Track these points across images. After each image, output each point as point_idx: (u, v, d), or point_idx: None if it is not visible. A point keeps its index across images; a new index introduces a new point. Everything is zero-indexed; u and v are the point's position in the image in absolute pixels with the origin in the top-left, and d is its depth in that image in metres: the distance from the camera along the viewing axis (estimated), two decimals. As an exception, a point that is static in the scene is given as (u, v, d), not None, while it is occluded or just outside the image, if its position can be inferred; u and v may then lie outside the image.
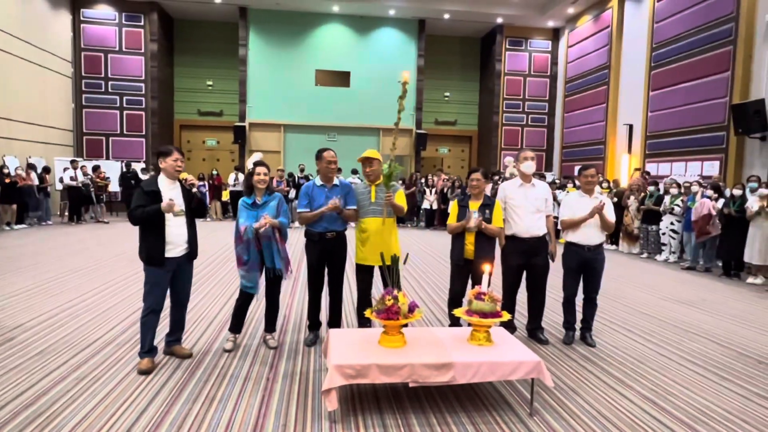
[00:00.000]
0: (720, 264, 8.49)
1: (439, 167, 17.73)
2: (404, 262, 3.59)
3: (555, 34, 18.42)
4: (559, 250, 4.70)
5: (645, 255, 10.02)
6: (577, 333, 4.64)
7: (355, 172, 14.00)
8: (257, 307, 4.39)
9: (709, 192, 8.62)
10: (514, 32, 18.22)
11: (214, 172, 15.62)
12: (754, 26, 10.06)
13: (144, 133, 16.77)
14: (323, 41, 17.63)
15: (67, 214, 13.73)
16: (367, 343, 3.35)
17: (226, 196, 14.92)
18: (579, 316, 4.64)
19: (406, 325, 3.43)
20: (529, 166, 4.59)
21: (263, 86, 17.23)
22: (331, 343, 3.37)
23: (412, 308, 3.35)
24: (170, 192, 3.73)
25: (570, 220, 4.52)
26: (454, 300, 4.56)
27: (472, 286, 4.42)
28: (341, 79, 17.77)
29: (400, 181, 14.22)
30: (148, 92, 16.59)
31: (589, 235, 4.49)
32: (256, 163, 4.15)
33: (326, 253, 4.28)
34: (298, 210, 4.28)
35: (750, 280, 7.72)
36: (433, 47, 18.41)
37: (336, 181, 4.35)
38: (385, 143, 17.47)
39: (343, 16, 17.46)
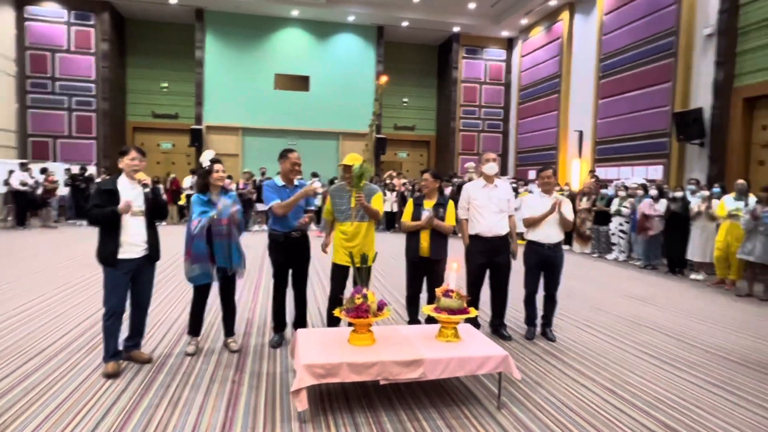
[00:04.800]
0: (665, 262, 8.94)
1: (398, 171, 17.87)
2: (372, 261, 3.60)
3: (509, 44, 18.98)
4: (521, 250, 4.83)
5: (596, 255, 10.44)
6: (538, 329, 4.78)
7: (315, 175, 13.92)
8: (218, 310, 4.29)
9: (653, 192, 9.08)
10: (470, 41, 18.65)
11: (171, 176, 15.17)
12: (692, 40, 10.70)
13: (94, 135, 16.09)
14: (282, 45, 17.50)
15: (10, 218, 12.98)
16: (336, 342, 3.34)
17: (183, 199, 14.51)
18: (540, 312, 4.79)
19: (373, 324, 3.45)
20: (491, 168, 4.72)
21: (221, 89, 16.91)
22: (299, 343, 3.33)
23: (380, 306, 3.36)
24: (130, 192, 3.61)
25: (532, 218, 4.66)
26: (412, 298, 4.65)
27: (428, 284, 4.52)
28: (300, 83, 17.67)
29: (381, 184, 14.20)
30: (99, 93, 15.95)
31: (549, 233, 4.65)
32: (214, 161, 4.06)
33: (291, 254, 4.25)
34: (271, 204, 4.19)
35: (693, 276, 8.17)
36: (392, 54, 18.60)
37: (296, 182, 4.35)
38: (344, 148, 17.47)
39: (302, 20, 17.39)
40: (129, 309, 3.78)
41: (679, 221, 8.38)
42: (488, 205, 4.63)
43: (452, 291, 3.46)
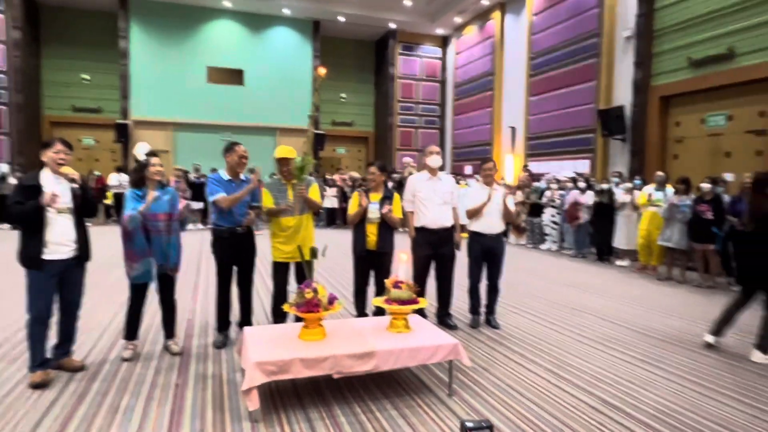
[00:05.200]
0: (594, 250, 9.48)
1: (337, 166, 17.78)
2: (323, 254, 3.55)
3: (444, 42, 19.35)
4: (464, 241, 4.94)
5: (531, 245, 10.90)
6: (483, 317, 4.92)
7: (252, 171, 13.53)
8: (155, 313, 4.07)
9: (581, 185, 9.59)
10: (407, 38, 18.83)
11: (96, 173, 14.23)
12: (614, 42, 11.37)
13: (7, 130, 14.77)
14: (214, 37, 16.85)
15: None
16: (286, 338, 3.27)
17: (110, 198, 13.66)
18: (484, 301, 4.93)
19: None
20: (435, 160, 4.79)
21: (149, 82, 16.03)
22: (247, 341, 3.23)
23: (331, 300, 3.33)
24: (55, 188, 3.34)
25: (474, 209, 4.78)
26: (359, 292, 4.67)
27: (376, 277, 4.55)
28: (234, 77, 17.12)
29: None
30: (11, 85, 14.63)
31: (491, 224, 4.79)
32: (150, 154, 3.86)
33: (236, 250, 4.12)
34: (216, 197, 4.03)
35: (618, 262, 8.72)
36: (329, 49, 18.42)
37: (242, 177, 4.24)
38: (282, 143, 17.02)
39: (235, 12, 16.83)
40: (57, 314, 3.51)
41: (605, 212, 8.91)
42: (433, 197, 4.70)
43: (402, 282, 3.49)
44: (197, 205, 12.54)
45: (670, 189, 7.74)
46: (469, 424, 1.46)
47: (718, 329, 4.33)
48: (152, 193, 3.70)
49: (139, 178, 3.79)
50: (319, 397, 3.21)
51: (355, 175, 14.78)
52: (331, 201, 14.05)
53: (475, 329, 4.75)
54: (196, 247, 9.05)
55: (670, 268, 7.52)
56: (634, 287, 6.94)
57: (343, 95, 19.39)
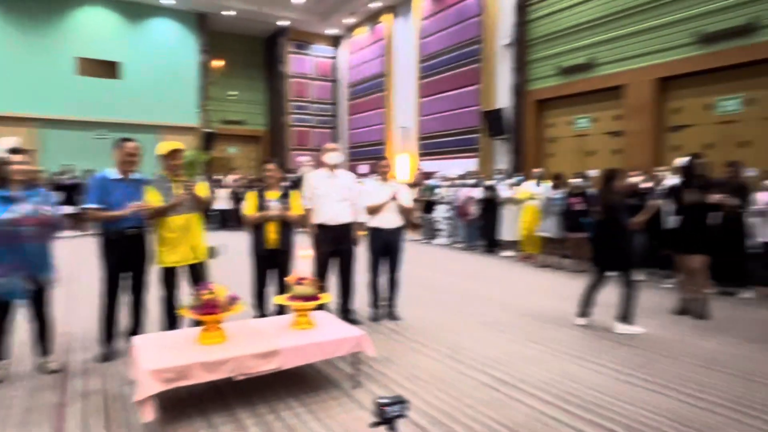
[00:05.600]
0: (482, 243, 10.11)
1: (230, 166, 17.11)
2: (219, 253, 3.42)
3: (336, 42, 19.43)
4: (363, 237, 5.03)
5: (425, 240, 11.35)
6: (383, 310, 5.04)
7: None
8: (26, 329, 3.63)
9: (471, 181, 10.19)
10: (298, 36, 18.64)
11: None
12: (493, 49, 12.23)
13: None
14: (85, 25, 15.33)
15: None
16: (182, 343, 3.10)
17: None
18: (384, 294, 5.05)
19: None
20: (333, 157, 4.82)
21: (5, 73, 14.17)
22: (139, 350, 3.02)
23: (232, 300, 3.22)
24: None
25: (373, 205, 4.88)
26: (260, 292, 4.57)
27: (279, 277, 4.48)
28: (109, 69, 15.71)
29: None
30: None
31: (390, 219, 4.93)
32: (12, 150, 3.45)
33: (127, 253, 3.81)
34: (87, 206, 3.69)
35: (504, 253, 9.40)
36: (218, 44, 17.60)
37: (137, 176, 3.93)
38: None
39: (107, -1, 15.49)
40: None
41: (491, 207, 9.55)
42: (331, 194, 4.73)
43: (305, 279, 3.47)
44: (69, 210, 11.33)
45: (546, 184, 8.50)
46: (383, 401, 1.51)
47: (583, 310, 4.85)
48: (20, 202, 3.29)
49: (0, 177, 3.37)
50: (222, 401, 3.09)
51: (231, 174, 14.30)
52: (223, 202, 13.48)
53: (377, 322, 4.86)
54: (71, 255, 8.19)
55: (548, 256, 8.27)
56: (518, 274, 7.53)
57: (234, 93, 18.68)
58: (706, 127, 8.34)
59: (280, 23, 17.74)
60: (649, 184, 7.10)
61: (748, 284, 6.00)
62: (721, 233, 5.33)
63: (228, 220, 13.57)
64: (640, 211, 5.37)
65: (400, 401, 1.51)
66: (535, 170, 8.91)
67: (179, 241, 3.89)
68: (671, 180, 6.56)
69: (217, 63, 4.12)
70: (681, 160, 5.79)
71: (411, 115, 15.25)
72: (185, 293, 3.73)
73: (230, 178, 14.10)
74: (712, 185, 5.04)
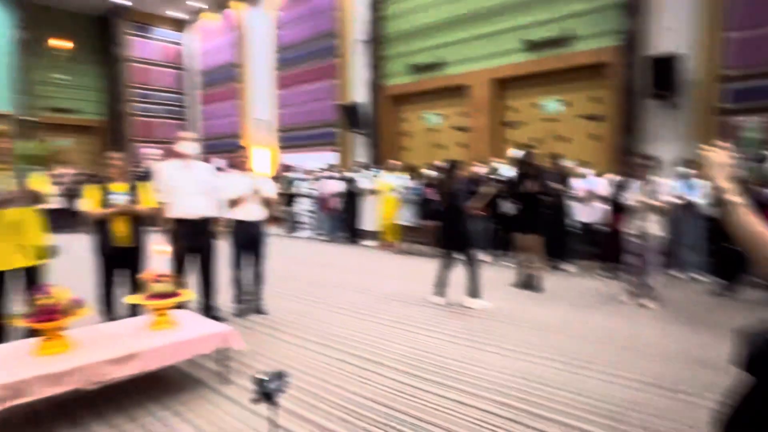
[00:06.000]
0: (345, 234, 10.33)
1: (62, 159, 15.03)
2: (56, 255, 3.06)
3: (182, 26, 18.12)
4: (224, 231, 4.84)
5: (289, 234, 11.24)
6: (249, 305, 4.92)
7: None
8: None
9: (333, 174, 10.34)
10: (139, 17, 16.99)
11: None
12: (350, 44, 12.48)
13: None
14: None
15: None
16: (16, 357, 2.72)
17: None
18: (249, 288, 4.92)
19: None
20: (188, 147, 4.56)
21: None
22: (-43, 370, 2.57)
23: (75, 304, 2.89)
24: None
25: (235, 198, 4.71)
26: (107, 295, 4.19)
27: (131, 276, 4.14)
28: None
29: None
30: None
31: (252, 211, 4.81)
32: None
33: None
34: None
35: (366, 243, 9.71)
36: (40, 20, 15.24)
37: None
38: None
39: None
40: None
41: (352, 198, 9.80)
42: (187, 186, 4.47)
43: (163, 276, 3.26)
44: None
45: (403, 175, 8.97)
46: (262, 376, 1.51)
47: (438, 290, 5.27)
48: None
49: None
50: (70, 418, 2.77)
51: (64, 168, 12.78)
52: (56, 200, 11.83)
53: (243, 318, 4.73)
54: None
55: (406, 242, 8.76)
56: (380, 261, 7.87)
57: (64, 77, 16.40)
58: (534, 124, 9.51)
59: (115, 1, 15.99)
60: (486, 172, 7.86)
61: (571, 259, 7.02)
62: (549, 215, 6.17)
63: (60, 220, 11.97)
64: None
65: (279, 376, 1.53)
66: (393, 162, 9.35)
67: (3, 241, 3.37)
68: (507, 170, 7.39)
69: (59, 43, 3.53)
70: (515, 152, 6.55)
71: (269, 106, 14.90)
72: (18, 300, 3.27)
73: (62, 172, 12.41)
74: (541, 174, 5.80)
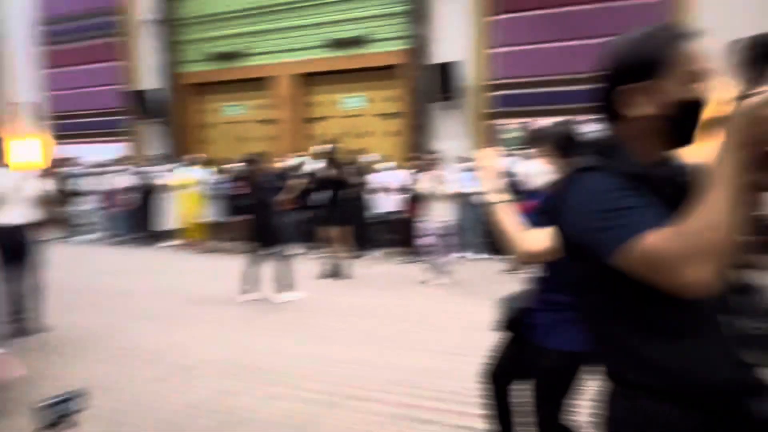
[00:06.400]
0: (140, 234, 9.38)
1: None
2: None
3: None
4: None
5: (70, 237, 9.74)
6: (25, 324, 4.19)
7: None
8: None
9: (121, 168, 9.29)
10: None
11: None
12: (136, 23, 11.21)
13: None
14: None
15: None
16: None
17: None
18: (25, 305, 4.19)
19: None
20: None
21: None
22: None
23: None
24: None
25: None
26: None
27: None
28: None
29: None
30: None
31: (13, 214, 4.04)
32: None
33: None
34: None
35: (165, 243, 8.90)
36: None
37: None
38: None
39: None
40: None
41: (146, 195, 8.94)
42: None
43: None
44: None
45: (208, 169, 8.52)
46: (49, 401, 1.36)
47: (246, 287, 5.22)
48: None
49: None
50: None
51: None
52: None
53: (21, 338, 4.01)
54: None
55: (214, 240, 8.36)
56: (184, 262, 7.40)
57: None
58: (336, 120, 9.93)
59: None
60: (291, 166, 7.97)
61: (375, 246, 7.58)
62: (354, 206, 6.58)
63: None
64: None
65: (70, 398, 1.38)
66: (195, 156, 8.80)
67: None
68: (312, 164, 7.61)
69: None
70: (320, 148, 6.79)
71: (34, 88, 12.59)
72: None
73: None
74: (342, 168, 6.16)
